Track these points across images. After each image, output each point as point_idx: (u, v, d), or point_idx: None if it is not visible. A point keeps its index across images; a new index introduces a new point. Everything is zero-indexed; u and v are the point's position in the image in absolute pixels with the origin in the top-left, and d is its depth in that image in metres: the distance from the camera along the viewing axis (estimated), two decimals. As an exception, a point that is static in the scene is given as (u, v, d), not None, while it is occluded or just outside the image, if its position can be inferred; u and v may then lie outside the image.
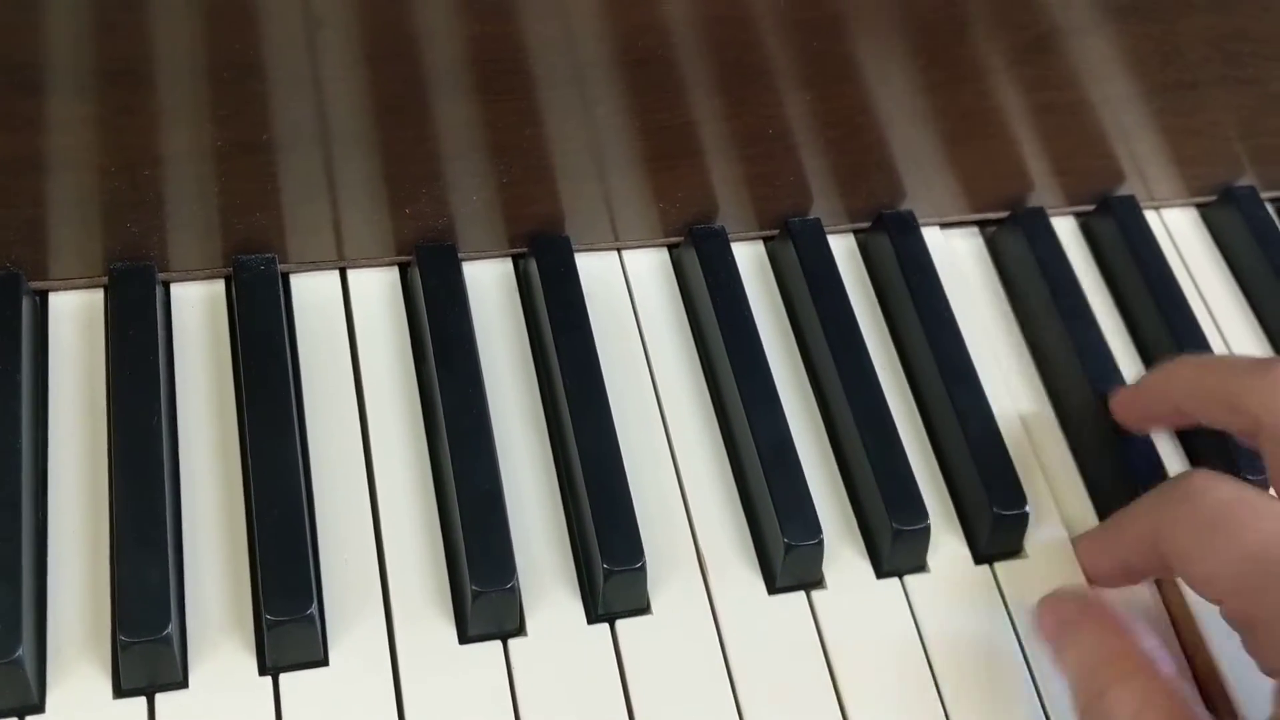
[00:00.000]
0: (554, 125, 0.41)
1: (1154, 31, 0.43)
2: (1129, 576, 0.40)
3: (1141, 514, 0.38)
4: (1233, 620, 0.35)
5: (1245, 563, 0.34)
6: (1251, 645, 0.34)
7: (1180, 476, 0.37)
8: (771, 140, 0.43)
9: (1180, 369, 0.40)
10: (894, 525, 0.39)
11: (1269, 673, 0.34)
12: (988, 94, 0.43)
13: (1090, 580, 0.40)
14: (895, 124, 0.43)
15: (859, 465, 0.41)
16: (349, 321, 0.42)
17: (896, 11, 0.40)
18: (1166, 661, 0.35)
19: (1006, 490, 0.40)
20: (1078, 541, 0.41)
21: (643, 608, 0.38)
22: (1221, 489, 0.36)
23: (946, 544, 0.41)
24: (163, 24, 0.35)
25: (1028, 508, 0.40)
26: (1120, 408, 0.42)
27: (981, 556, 0.41)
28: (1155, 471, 0.42)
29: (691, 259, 0.44)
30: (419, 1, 0.37)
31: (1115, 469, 0.42)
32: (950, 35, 0.41)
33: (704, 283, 0.44)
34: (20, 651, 0.33)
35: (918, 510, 0.39)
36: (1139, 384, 0.42)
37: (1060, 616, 0.38)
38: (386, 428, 0.40)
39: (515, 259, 0.45)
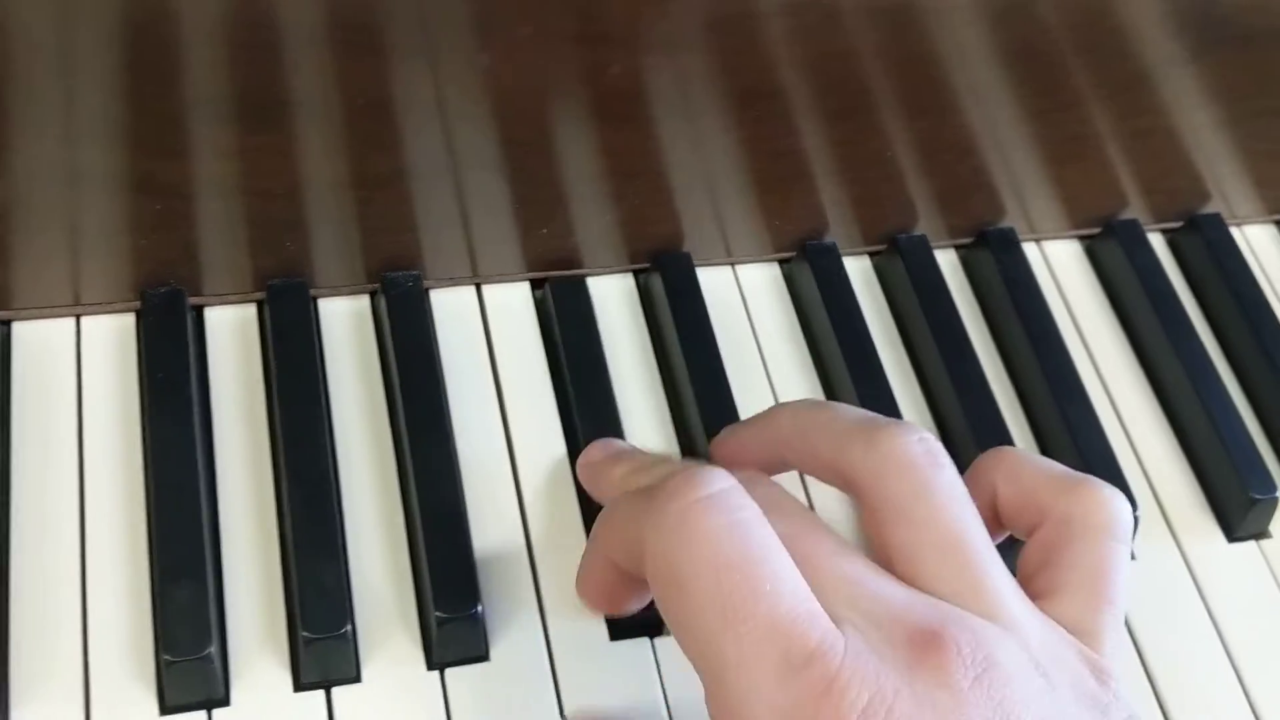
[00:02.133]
0: (680, 153, 0.43)
1: (1248, 61, 0.45)
2: (627, 591, 0.36)
3: (630, 518, 0.33)
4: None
5: (727, 652, 0.29)
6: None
7: (679, 476, 0.31)
8: (885, 164, 0.45)
9: (783, 418, 0.37)
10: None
11: None
12: (1089, 120, 0.45)
13: (591, 607, 0.38)
14: (1002, 147, 0.45)
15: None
16: (487, 333, 0.44)
17: (1013, 44, 0.42)
18: None
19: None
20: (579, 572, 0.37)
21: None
22: (720, 517, 0.30)
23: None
24: (332, 67, 0.37)
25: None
26: (720, 449, 0.39)
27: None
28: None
29: (805, 273, 0.47)
30: (555, 59, 0.39)
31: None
32: (1059, 66, 0.43)
33: (818, 295, 0.46)
34: (210, 648, 0.35)
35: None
36: (744, 427, 0.39)
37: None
38: (527, 432, 0.42)
39: (635, 273, 0.47)
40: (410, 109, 0.39)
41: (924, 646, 0.29)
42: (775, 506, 0.32)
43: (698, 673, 0.30)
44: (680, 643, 0.30)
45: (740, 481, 0.31)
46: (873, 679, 0.28)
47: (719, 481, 0.30)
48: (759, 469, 0.37)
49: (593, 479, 0.40)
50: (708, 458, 0.40)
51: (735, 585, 0.29)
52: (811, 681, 0.28)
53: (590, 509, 0.40)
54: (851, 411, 0.36)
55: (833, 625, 0.29)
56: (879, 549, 0.33)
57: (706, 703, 0.30)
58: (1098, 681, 0.31)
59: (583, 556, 0.37)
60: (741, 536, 0.29)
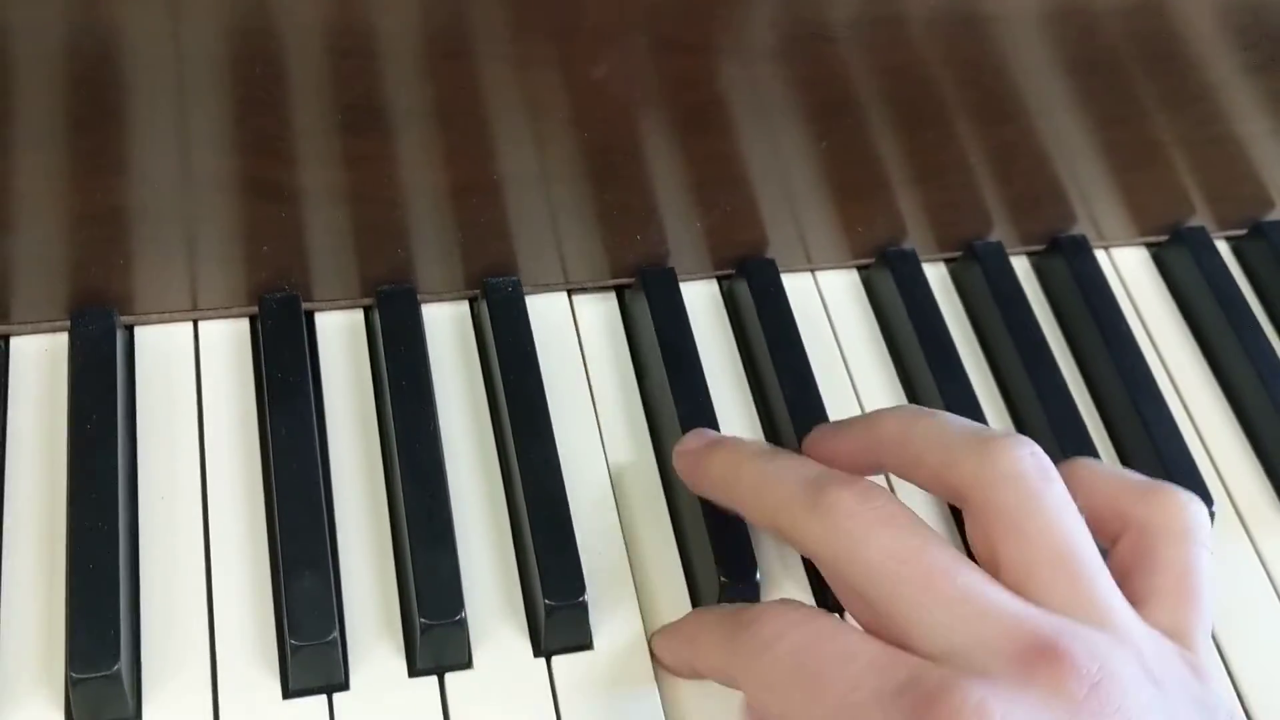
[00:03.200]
0: (765, 162, 0.45)
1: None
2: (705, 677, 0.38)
3: (716, 647, 0.36)
4: None
5: (836, 715, 0.31)
6: None
7: (752, 614, 0.34)
8: (962, 172, 0.46)
9: (888, 424, 0.38)
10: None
11: None
12: (1158, 129, 0.47)
13: (664, 670, 0.39)
14: (1073, 156, 0.47)
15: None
16: (579, 337, 0.46)
17: (1084, 55, 0.44)
18: None
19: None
20: (654, 637, 0.39)
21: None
22: (794, 635, 0.33)
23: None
24: (436, 76, 0.39)
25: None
26: (816, 448, 0.39)
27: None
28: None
29: (885, 278, 0.48)
30: (651, 69, 0.41)
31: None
32: (1128, 76, 0.45)
33: (900, 300, 0.47)
34: (334, 634, 0.37)
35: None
36: (843, 429, 0.39)
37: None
38: (617, 432, 0.44)
39: (719, 279, 0.49)
40: (510, 119, 0.41)
41: (1037, 660, 0.30)
42: (891, 521, 0.33)
43: None
44: None
45: (858, 494, 0.34)
46: (975, 691, 0.29)
47: (787, 611, 0.34)
48: (853, 470, 0.37)
49: (690, 467, 0.41)
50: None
51: (820, 668, 0.32)
52: (912, 701, 0.30)
53: (678, 504, 0.42)
54: (958, 421, 0.36)
55: (923, 660, 0.31)
56: (986, 559, 0.34)
57: None
58: (1200, 684, 0.32)
59: (662, 645, 0.39)
60: (818, 638, 0.32)
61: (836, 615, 0.34)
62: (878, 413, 0.39)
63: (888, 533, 0.33)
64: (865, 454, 0.38)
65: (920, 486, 0.37)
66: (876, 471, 0.39)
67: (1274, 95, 0.47)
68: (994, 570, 0.33)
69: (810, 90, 0.43)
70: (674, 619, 0.40)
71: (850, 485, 0.34)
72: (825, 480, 0.35)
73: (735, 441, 0.40)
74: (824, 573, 0.36)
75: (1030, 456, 0.34)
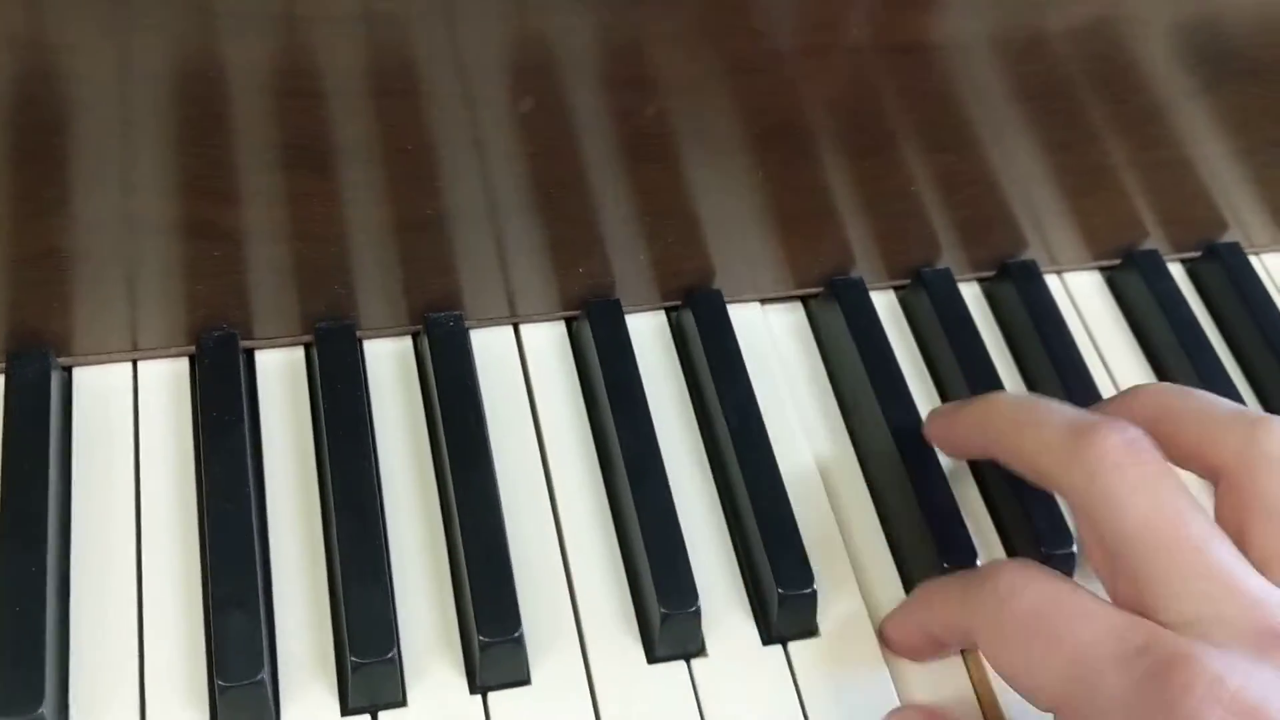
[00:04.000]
0: (709, 191, 0.44)
1: (1258, 92, 0.46)
2: (935, 651, 0.40)
3: (951, 604, 0.37)
4: None
5: (1070, 670, 0.32)
6: None
7: (989, 570, 0.35)
8: (909, 199, 0.46)
9: (1144, 396, 0.38)
10: (1043, 550, 0.42)
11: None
12: (1107, 152, 0.47)
13: (893, 651, 0.40)
14: (1023, 180, 0.47)
15: (1002, 497, 0.44)
16: (524, 371, 0.46)
17: (1031, 80, 0.44)
18: None
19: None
20: (885, 619, 0.41)
21: (812, 630, 0.41)
22: (1032, 590, 0.34)
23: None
24: (376, 114, 0.39)
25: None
26: (935, 429, 0.42)
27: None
28: None
29: (832, 309, 0.48)
30: (589, 103, 0.41)
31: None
32: (1076, 101, 0.45)
33: (846, 329, 0.47)
34: (262, 674, 0.36)
35: (1064, 538, 0.42)
36: (956, 412, 0.41)
37: None
38: (565, 466, 0.44)
39: (668, 310, 0.48)
40: (451, 154, 0.41)
41: (1276, 642, 0.31)
42: (1154, 482, 0.34)
43: (1048, 710, 0.33)
44: (1025, 692, 0.34)
45: (1126, 443, 0.34)
46: (1217, 659, 0.30)
47: (1025, 568, 0.34)
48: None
49: (944, 427, 0.42)
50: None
51: (1059, 626, 0.32)
52: (1151, 662, 0.30)
53: (629, 541, 0.42)
54: (1221, 399, 0.37)
55: (1160, 626, 0.31)
56: (1235, 537, 0.34)
57: None
58: None
59: (895, 619, 0.40)
60: (1058, 597, 0.33)
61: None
62: (1136, 387, 0.39)
63: (1149, 496, 0.33)
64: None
65: (1173, 461, 0.36)
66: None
67: (1222, 117, 0.47)
68: (1241, 548, 0.33)
69: (749, 120, 0.43)
70: (613, 653, 0.39)
71: (1120, 431, 0.34)
72: (1092, 424, 0.35)
73: (987, 395, 0.41)
74: (1076, 517, 0.38)
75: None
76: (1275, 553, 0.34)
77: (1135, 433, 0.35)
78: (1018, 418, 0.38)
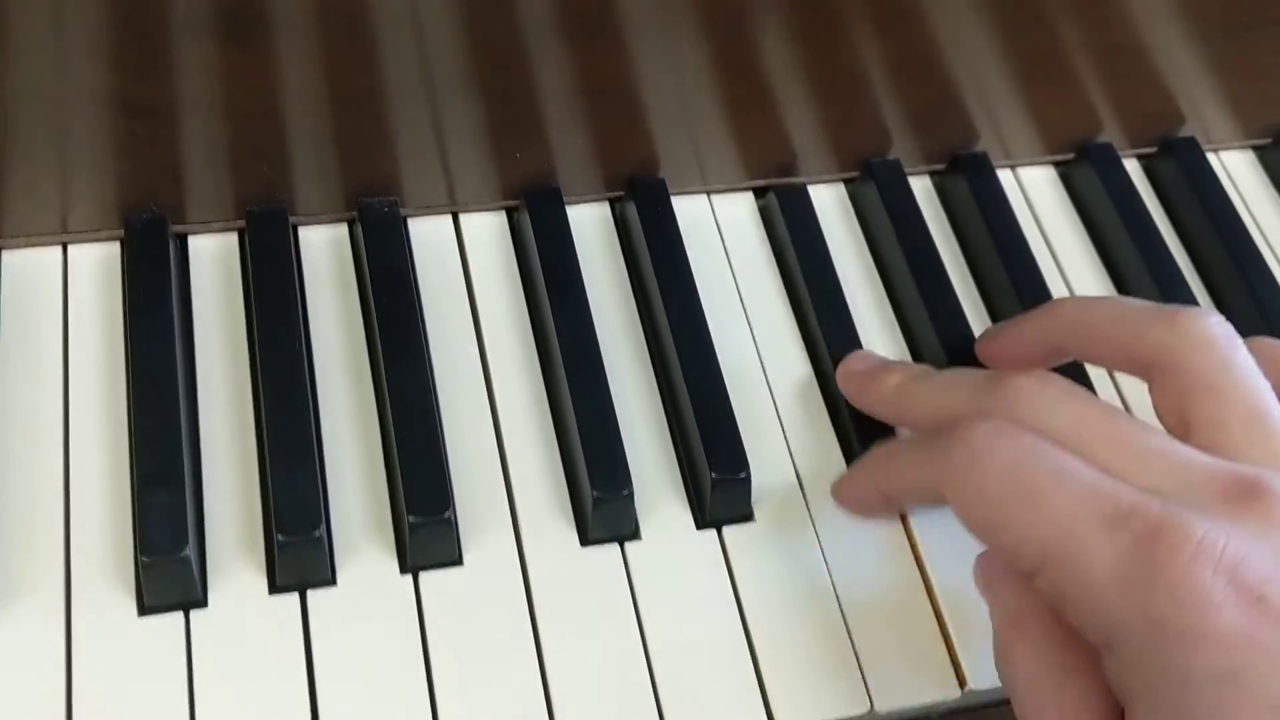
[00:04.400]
0: (650, 70, 0.43)
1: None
2: (887, 510, 0.40)
3: (918, 463, 0.37)
4: (1043, 590, 0.33)
5: (1050, 532, 0.32)
6: (1068, 616, 0.33)
7: (961, 429, 0.34)
8: (854, 82, 0.45)
9: (1065, 309, 0.39)
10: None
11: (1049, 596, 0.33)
12: (1058, 34, 0.46)
13: (842, 506, 0.41)
14: (971, 63, 0.46)
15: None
16: (463, 260, 0.45)
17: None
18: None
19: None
20: (838, 481, 0.41)
21: (748, 515, 0.41)
22: (1008, 448, 0.33)
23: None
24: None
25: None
26: (992, 347, 0.42)
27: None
28: None
29: (773, 202, 0.47)
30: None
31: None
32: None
33: (785, 227, 0.46)
34: (187, 550, 0.36)
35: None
36: (1017, 324, 0.41)
37: (984, 575, 0.38)
38: (502, 354, 0.43)
39: (612, 203, 0.48)
40: (383, 24, 0.40)
41: (1244, 495, 0.31)
42: (1073, 394, 0.35)
43: (1029, 571, 0.33)
44: (1002, 549, 0.34)
45: (1037, 377, 0.35)
46: (1199, 522, 0.30)
47: (988, 423, 0.34)
48: (1031, 362, 0.40)
49: (858, 389, 0.42)
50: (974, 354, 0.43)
51: (1039, 484, 0.32)
52: (1136, 530, 0.30)
53: (565, 428, 0.41)
54: (1137, 300, 0.38)
55: (1141, 491, 0.31)
56: (1176, 425, 0.35)
57: (1043, 590, 0.33)
58: None
59: (847, 478, 0.41)
60: (1033, 452, 0.33)
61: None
62: (1053, 301, 0.40)
63: (1074, 403, 0.34)
64: (1044, 340, 0.40)
65: (1102, 364, 0.38)
66: (1057, 358, 0.40)
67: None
68: (1184, 436, 0.34)
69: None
70: (547, 536, 0.39)
71: (1027, 373, 0.36)
72: (1000, 375, 0.37)
73: (902, 364, 0.42)
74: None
75: (1219, 324, 0.35)
76: (1221, 426, 0.34)
77: (1039, 370, 0.36)
78: (931, 388, 0.39)
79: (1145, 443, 0.33)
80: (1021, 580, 0.35)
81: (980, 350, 0.42)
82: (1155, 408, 0.36)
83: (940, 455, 0.35)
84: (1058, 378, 0.36)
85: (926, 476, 0.36)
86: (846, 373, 0.43)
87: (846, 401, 0.43)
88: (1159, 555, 0.29)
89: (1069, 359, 0.40)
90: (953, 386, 0.38)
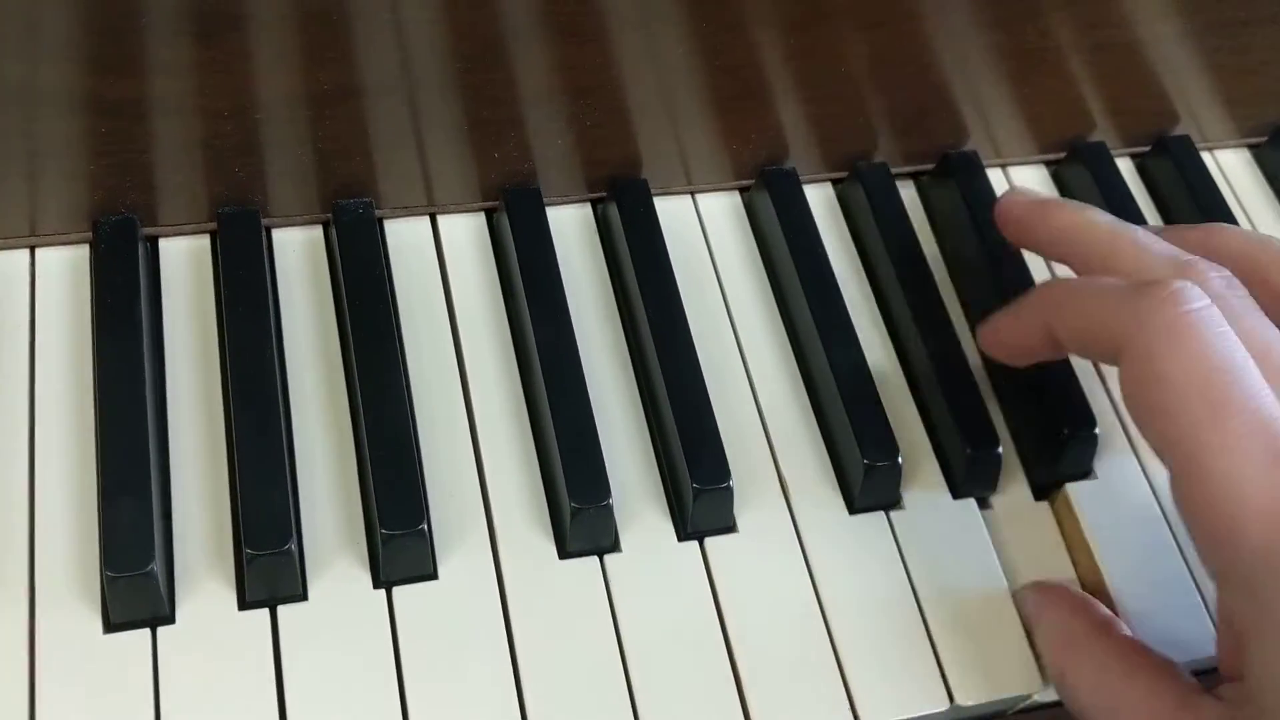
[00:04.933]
0: (632, 68, 0.42)
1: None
2: (1039, 356, 0.39)
3: (1106, 307, 0.35)
4: (1173, 488, 0.33)
5: (1216, 441, 0.32)
6: (1188, 524, 0.33)
7: (1164, 287, 0.34)
8: (842, 80, 0.44)
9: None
10: (968, 451, 0.41)
11: (1188, 521, 0.33)
12: (1048, 32, 0.45)
13: (988, 346, 0.41)
14: (961, 61, 0.45)
15: (933, 395, 0.43)
16: (441, 263, 0.44)
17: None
18: (1118, 625, 0.37)
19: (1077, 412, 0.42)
20: (998, 315, 0.40)
21: (729, 526, 0.40)
22: (1206, 337, 0.33)
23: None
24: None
25: (1097, 430, 0.42)
26: (992, 336, 0.41)
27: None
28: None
29: (764, 198, 0.46)
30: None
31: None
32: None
33: (776, 220, 0.45)
34: (153, 565, 0.35)
35: (990, 437, 0.41)
36: (1013, 311, 0.40)
37: (1027, 607, 0.39)
38: (481, 361, 0.42)
39: (594, 204, 0.47)
40: (358, 21, 0.39)
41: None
42: (1256, 307, 0.35)
43: (1167, 459, 0.33)
44: (1153, 430, 0.33)
45: (1227, 277, 0.36)
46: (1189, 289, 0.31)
47: (1203, 298, 0.34)
48: (1033, 350, 0.39)
49: (1026, 218, 0.41)
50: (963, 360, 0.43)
51: (1226, 385, 0.32)
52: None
53: (543, 436, 0.40)
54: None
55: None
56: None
57: (1173, 488, 0.33)
58: None
59: (1008, 315, 0.40)
60: (1229, 349, 0.33)
61: None
62: (1214, 224, 0.40)
63: (1258, 315, 0.35)
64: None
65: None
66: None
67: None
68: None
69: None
70: (524, 548, 0.38)
71: (1219, 269, 0.36)
72: (1194, 258, 0.37)
73: (1070, 201, 0.41)
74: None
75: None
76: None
77: (1204, 299, 0.34)
78: (1119, 240, 0.39)
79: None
80: (1071, 602, 0.37)
81: (982, 341, 0.41)
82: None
83: (1134, 308, 0.34)
84: (1240, 285, 0.36)
85: (1113, 324, 0.34)
86: (1008, 202, 0.42)
87: (834, 410, 0.42)
88: None
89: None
90: (1138, 254, 0.37)
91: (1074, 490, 0.42)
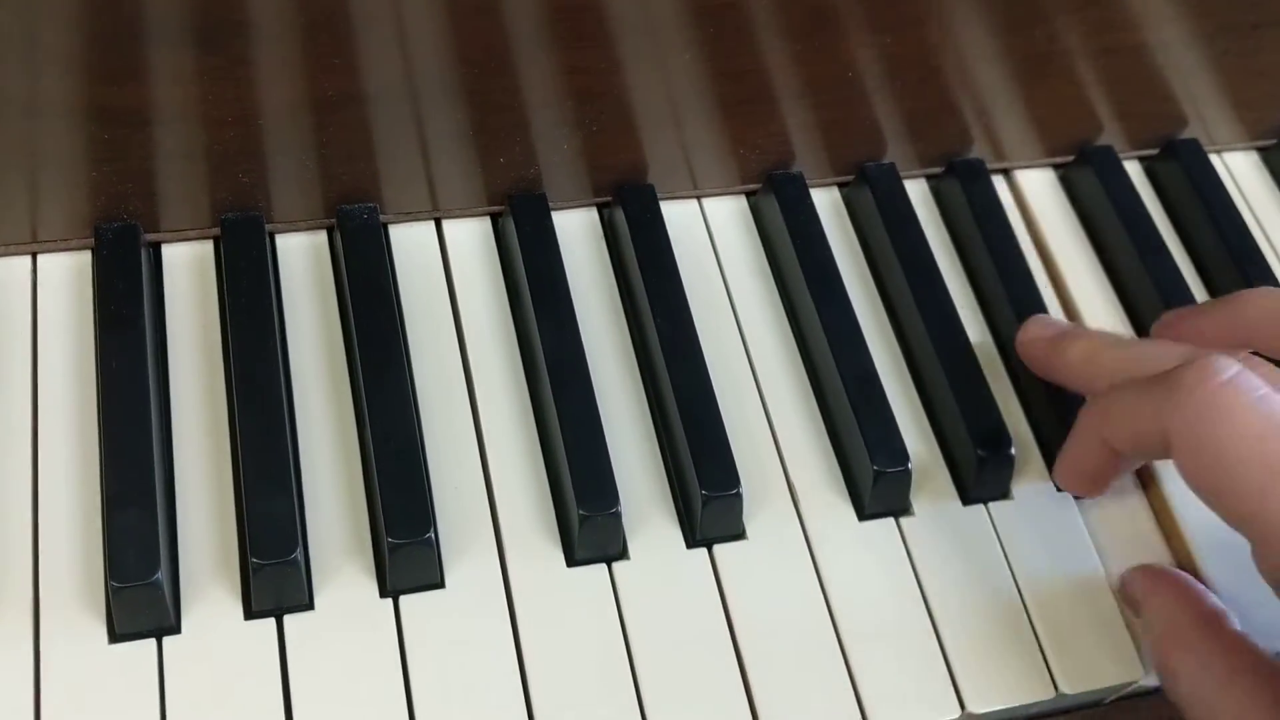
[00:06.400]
0: (638, 73, 0.42)
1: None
2: (1116, 473, 0.39)
3: (1144, 404, 0.35)
4: (1232, 519, 0.33)
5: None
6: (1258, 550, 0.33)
7: (1196, 368, 0.34)
8: (848, 85, 0.44)
9: (1262, 299, 0.38)
10: (979, 453, 0.41)
11: (1271, 577, 0.33)
12: (1056, 36, 0.44)
13: (1068, 484, 0.40)
14: (968, 66, 0.44)
15: (941, 397, 0.42)
16: (446, 269, 0.44)
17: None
18: (1227, 619, 0.36)
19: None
20: (1062, 452, 0.40)
21: (738, 533, 0.40)
22: (1250, 404, 0.33)
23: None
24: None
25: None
26: (1174, 330, 0.40)
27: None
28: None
29: (770, 203, 0.46)
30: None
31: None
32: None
33: (783, 223, 0.45)
34: (158, 575, 0.35)
35: (1003, 438, 0.41)
36: (1199, 312, 0.40)
37: (1134, 590, 0.38)
38: (487, 367, 0.42)
39: (600, 209, 0.46)
40: (363, 27, 0.38)
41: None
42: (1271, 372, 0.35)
43: (1243, 531, 0.33)
44: (1221, 507, 0.33)
45: (1241, 363, 0.34)
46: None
47: (1233, 365, 0.33)
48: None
49: (1043, 355, 0.41)
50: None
51: (1277, 449, 0.32)
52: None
53: (550, 443, 0.40)
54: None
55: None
56: None
57: (1256, 559, 0.33)
58: None
59: (1068, 446, 0.39)
60: (1272, 410, 0.32)
61: None
62: (1244, 291, 0.39)
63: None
64: (1230, 334, 0.38)
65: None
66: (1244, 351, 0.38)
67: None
68: None
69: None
70: (532, 556, 0.38)
71: (1234, 352, 0.35)
72: (1206, 351, 0.35)
73: (1087, 330, 0.41)
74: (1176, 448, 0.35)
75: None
76: None
77: (1235, 365, 0.34)
78: (1122, 358, 0.38)
79: None
80: (1178, 591, 0.36)
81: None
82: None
83: (1170, 393, 0.34)
84: (1258, 362, 0.35)
85: (1155, 416, 0.34)
86: (1028, 339, 0.41)
87: (843, 416, 0.41)
88: None
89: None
90: (1152, 358, 0.37)
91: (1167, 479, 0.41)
